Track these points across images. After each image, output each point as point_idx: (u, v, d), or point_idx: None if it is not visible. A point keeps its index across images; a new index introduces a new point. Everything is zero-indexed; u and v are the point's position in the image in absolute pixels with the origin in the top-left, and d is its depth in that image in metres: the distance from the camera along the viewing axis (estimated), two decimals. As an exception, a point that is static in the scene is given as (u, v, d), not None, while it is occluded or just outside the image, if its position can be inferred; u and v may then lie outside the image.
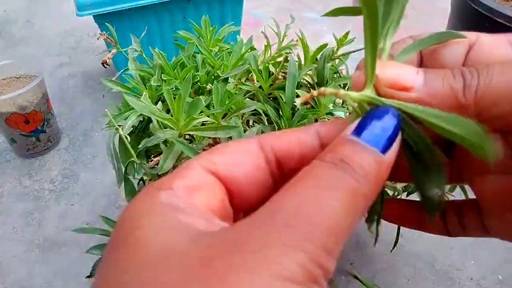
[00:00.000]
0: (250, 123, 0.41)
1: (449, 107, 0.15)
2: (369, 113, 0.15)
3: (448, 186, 0.41)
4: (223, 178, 0.16)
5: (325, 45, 0.47)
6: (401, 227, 0.44)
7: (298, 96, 0.41)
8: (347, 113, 0.43)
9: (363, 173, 0.14)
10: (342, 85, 0.43)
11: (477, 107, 0.15)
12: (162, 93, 0.37)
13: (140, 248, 0.12)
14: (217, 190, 0.15)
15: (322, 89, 0.16)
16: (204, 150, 0.37)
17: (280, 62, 0.47)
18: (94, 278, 0.13)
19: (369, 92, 0.16)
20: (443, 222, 0.20)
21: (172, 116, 0.33)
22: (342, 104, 0.44)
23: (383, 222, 0.20)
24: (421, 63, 0.18)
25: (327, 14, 0.17)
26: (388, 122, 0.15)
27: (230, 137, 0.33)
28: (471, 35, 0.17)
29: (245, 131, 0.35)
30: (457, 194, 0.40)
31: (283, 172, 0.17)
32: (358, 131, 0.15)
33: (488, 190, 0.18)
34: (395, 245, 0.46)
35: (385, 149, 0.14)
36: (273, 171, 0.17)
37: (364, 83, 0.16)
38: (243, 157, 0.16)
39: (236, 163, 0.16)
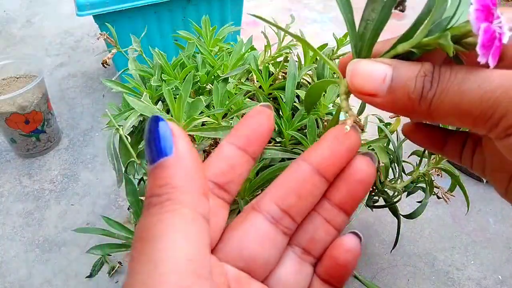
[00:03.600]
0: (250, 123, 0.41)
1: (407, 113, 0.17)
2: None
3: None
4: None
5: (325, 45, 0.47)
6: (401, 228, 0.44)
7: (298, 96, 0.41)
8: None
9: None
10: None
11: (430, 116, 0.16)
12: (162, 93, 0.37)
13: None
14: None
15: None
16: (205, 151, 0.37)
17: (280, 62, 0.47)
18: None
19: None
20: (460, 149, 0.22)
21: (172, 116, 0.33)
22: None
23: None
24: None
25: None
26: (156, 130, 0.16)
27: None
28: None
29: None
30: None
31: None
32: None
33: (489, 148, 0.21)
34: (395, 245, 0.46)
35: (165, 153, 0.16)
36: None
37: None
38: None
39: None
